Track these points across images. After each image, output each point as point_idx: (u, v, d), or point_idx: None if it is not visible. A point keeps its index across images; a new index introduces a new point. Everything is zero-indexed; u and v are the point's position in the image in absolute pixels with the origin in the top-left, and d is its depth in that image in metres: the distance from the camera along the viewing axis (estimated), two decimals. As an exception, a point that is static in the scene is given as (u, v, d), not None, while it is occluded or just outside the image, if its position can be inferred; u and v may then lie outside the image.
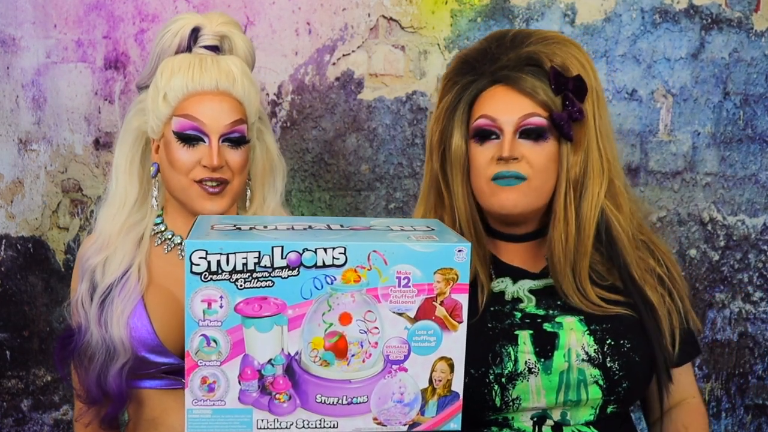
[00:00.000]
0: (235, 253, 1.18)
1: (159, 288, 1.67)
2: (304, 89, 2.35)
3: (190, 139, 1.60)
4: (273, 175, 1.79)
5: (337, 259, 1.19)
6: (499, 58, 1.55)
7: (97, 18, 2.29)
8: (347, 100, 2.36)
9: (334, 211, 2.41)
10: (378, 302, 1.21)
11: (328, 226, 1.31)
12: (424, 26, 2.34)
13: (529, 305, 1.59)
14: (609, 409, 1.55)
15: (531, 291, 1.61)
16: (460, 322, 1.24)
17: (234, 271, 1.19)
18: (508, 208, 1.54)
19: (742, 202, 2.52)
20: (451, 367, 1.25)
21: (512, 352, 1.52)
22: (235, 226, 1.30)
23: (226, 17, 1.71)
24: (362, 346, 1.22)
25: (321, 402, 1.24)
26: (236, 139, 1.62)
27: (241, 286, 1.19)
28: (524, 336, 1.54)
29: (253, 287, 1.19)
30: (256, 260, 1.18)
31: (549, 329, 1.55)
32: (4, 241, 2.36)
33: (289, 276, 1.19)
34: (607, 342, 1.53)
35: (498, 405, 1.52)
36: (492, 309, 1.58)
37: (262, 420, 1.24)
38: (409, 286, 1.21)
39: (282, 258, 1.19)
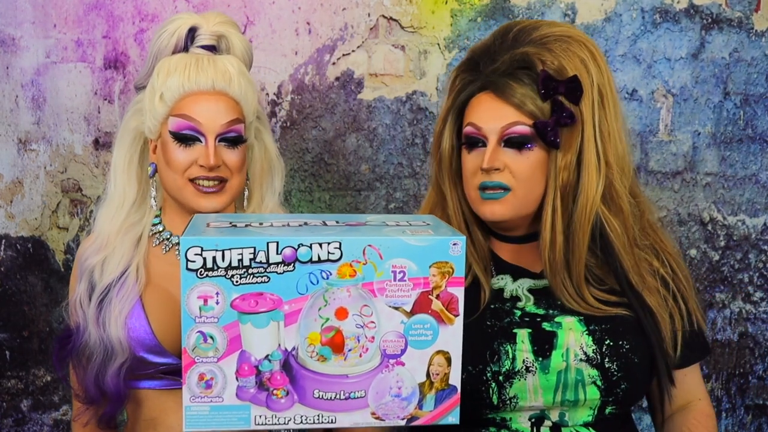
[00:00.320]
0: (230, 249, 1.18)
1: (157, 288, 1.67)
2: (304, 89, 2.35)
3: (186, 138, 1.60)
4: (271, 175, 1.78)
5: (333, 253, 1.19)
6: (495, 58, 1.54)
7: (96, 18, 2.29)
8: (347, 100, 2.36)
9: (333, 211, 2.41)
10: (374, 296, 1.21)
11: (324, 222, 1.31)
12: (424, 26, 2.34)
13: (528, 304, 1.58)
14: (608, 410, 1.55)
15: (530, 290, 1.60)
16: (456, 316, 1.23)
17: (230, 267, 1.18)
18: (496, 217, 1.54)
19: (743, 202, 2.52)
20: (449, 360, 1.24)
21: (510, 351, 1.52)
22: (230, 223, 1.30)
23: (223, 17, 1.71)
24: (359, 340, 1.22)
25: (319, 397, 1.24)
26: (233, 139, 1.62)
27: (237, 282, 1.19)
28: (523, 334, 1.54)
29: (249, 283, 1.19)
30: (252, 256, 1.18)
31: (548, 328, 1.55)
32: (3, 241, 2.36)
33: (284, 271, 1.19)
34: (606, 342, 1.53)
35: (495, 403, 1.51)
36: (492, 307, 1.58)
37: (260, 416, 1.24)
38: (405, 280, 1.21)
39: (277, 253, 1.18)
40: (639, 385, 1.56)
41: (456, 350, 1.25)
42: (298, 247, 1.18)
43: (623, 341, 1.53)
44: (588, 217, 1.51)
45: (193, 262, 1.18)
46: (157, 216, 1.73)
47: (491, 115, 1.52)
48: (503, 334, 1.54)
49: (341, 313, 1.21)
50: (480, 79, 1.55)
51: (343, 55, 2.35)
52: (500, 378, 1.51)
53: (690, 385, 1.68)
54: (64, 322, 1.77)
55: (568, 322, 1.55)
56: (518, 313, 1.57)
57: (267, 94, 2.34)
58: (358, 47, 2.34)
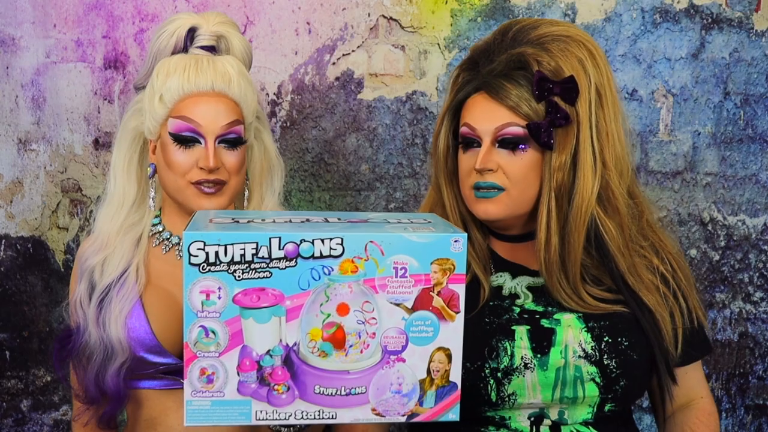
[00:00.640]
0: (233, 244, 1.18)
1: (157, 288, 1.67)
2: (304, 89, 2.35)
3: (186, 140, 1.59)
4: (271, 175, 1.78)
5: (335, 249, 1.19)
6: (493, 58, 1.54)
7: (96, 18, 2.29)
8: (347, 100, 2.36)
9: (334, 210, 2.41)
10: (375, 293, 1.21)
11: (326, 219, 1.32)
12: (424, 26, 2.34)
13: (527, 301, 1.58)
14: (607, 408, 1.55)
15: (529, 288, 1.60)
16: (457, 313, 1.23)
17: (232, 262, 1.19)
18: (490, 216, 1.55)
19: (743, 202, 2.52)
20: (449, 357, 1.24)
21: (509, 347, 1.52)
22: (233, 219, 1.30)
23: (222, 17, 1.71)
24: (360, 336, 1.22)
25: (319, 393, 1.24)
26: (233, 140, 1.62)
27: (239, 277, 1.19)
28: (521, 331, 1.54)
29: (251, 278, 1.19)
30: (254, 251, 1.18)
31: (546, 325, 1.55)
32: (3, 241, 2.36)
33: (286, 267, 1.19)
34: (605, 339, 1.53)
35: (494, 400, 1.51)
36: (491, 304, 1.58)
37: (261, 411, 1.24)
38: (406, 277, 1.21)
39: (279, 249, 1.19)
40: (638, 383, 1.56)
41: (457, 347, 1.25)
42: (301, 242, 1.19)
43: (622, 338, 1.53)
44: (583, 218, 1.51)
45: (196, 256, 1.18)
46: (157, 216, 1.73)
47: (485, 116, 1.52)
48: (502, 331, 1.54)
49: (343, 309, 1.22)
50: (477, 79, 1.56)
51: (343, 55, 2.35)
52: (498, 375, 1.51)
53: (692, 383, 1.68)
54: (64, 322, 1.77)
55: (567, 319, 1.55)
56: (517, 310, 1.57)
57: (267, 94, 2.34)
58: (358, 47, 2.34)
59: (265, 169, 1.77)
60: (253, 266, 1.19)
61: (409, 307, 1.22)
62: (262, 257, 1.19)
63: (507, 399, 1.51)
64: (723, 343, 2.59)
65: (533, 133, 1.49)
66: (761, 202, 2.53)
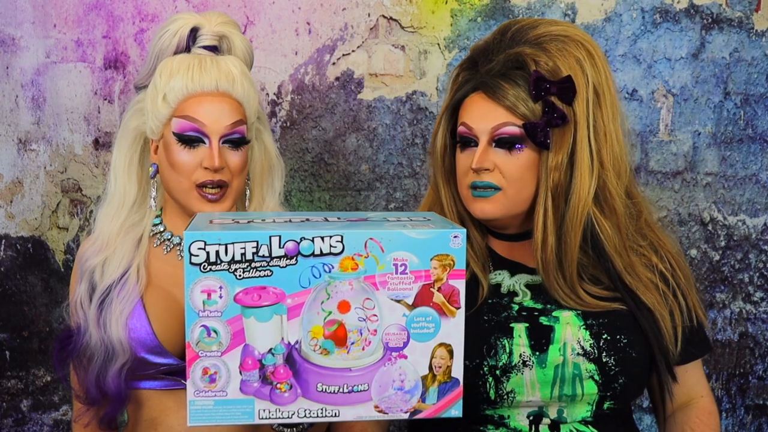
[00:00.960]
0: (233, 243, 1.19)
1: (158, 289, 1.66)
2: (304, 89, 2.35)
3: (190, 140, 1.59)
4: (271, 175, 1.78)
5: (335, 247, 1.20)
6: (492, 58, 1.55)
7: (96, 18, 2.29)
8: (347, 100, 2.36)
9: (334, 210, 2.41)
10: (376, 290, 1.22)
11: (326, 218, 1.32)
12: (424, 26, 2.35)
13: (526, 299, 1.58)
14: (606, 406, 1.55)
15: (528, 285, 1.60)
16: (458, 308, 1.24)
17: (233, 261, 1.19)
18: (486, 215, 1.55)
19: (743, 202, 2.52)
20: (451, 353, 1.25)
21: (507, 345, 1.52)
22: (233, 220, 1.30)
23: (224, 17, 1.70)
24: (361, 333, 1.23)
25: (322, 391, 1.24)
26: (236, 140, 1.61)
27: (240, 276, 1.19)
28: (519, 329, 1.54)
29: (252, 277, 1.20)
30: (255, 250, 1.19)
31: (545, 323, 1.55)
32: (3, 241, 2.36)
33: (287, 265, 1.20)
34: (604, 337, 1.53)
35: (492, 398, 1.51)
36: (489, 301, 1.58)
37: (264, 410, 1.24)
38: (407, 273, 1.22)
39: (280, 247, 1.19)
40: (637, 380, 1.56)
41: (458, 342, 1.25)
42: (301, 240, 1.19)
43: (621, 336, 1.53)
44: (580, 218, 1.51)
45: (197, 256, 1.18)
46: (157, 216, 1.73)
47: (483, 115, 1.53)
48: (500, 329, 1.54)
49: (344, 307, 1.22)
50: (475, 78, 1.56)
51: (343, 55, 2.35)
52: (497, 372, 1.51)
53: (692, 382, 1.68)
54: (64, 323, 1.77)
55: (566, 316, 1.55)
56: (516, 307, 1.57)
57: (267, 94, 2.34)
58: (358, 47, 2.34)
59: (265, 169, 1.77)
60: (253, 265, 1.19)
61: (410, 303, 1.23)
62: (263, 256, 1.19)
63: (506, 397, 1.51)
64: (723, 343, 2.59)
65: (530, 133, 1.49)
66: (761, 202, 2.53)
